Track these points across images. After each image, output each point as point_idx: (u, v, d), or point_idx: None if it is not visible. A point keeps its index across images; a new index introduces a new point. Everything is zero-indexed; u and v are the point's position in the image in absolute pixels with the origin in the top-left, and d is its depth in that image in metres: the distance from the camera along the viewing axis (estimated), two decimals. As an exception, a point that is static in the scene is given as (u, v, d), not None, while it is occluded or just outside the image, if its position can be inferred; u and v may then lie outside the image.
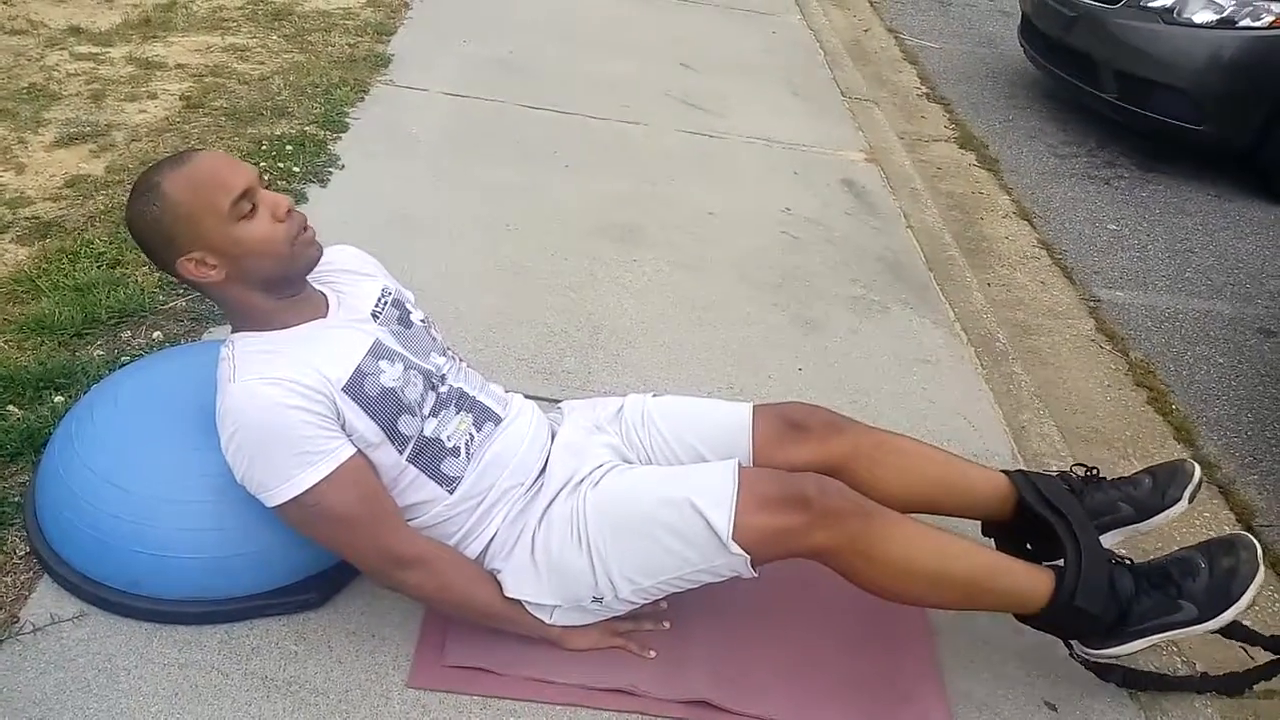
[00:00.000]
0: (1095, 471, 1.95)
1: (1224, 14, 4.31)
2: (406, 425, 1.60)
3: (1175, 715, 1.87)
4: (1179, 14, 4.40)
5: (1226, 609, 1.69)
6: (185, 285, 1.59)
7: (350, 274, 1.75)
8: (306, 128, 3.46)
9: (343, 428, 1.53)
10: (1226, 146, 4.53)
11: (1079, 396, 2.96)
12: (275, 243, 1.53)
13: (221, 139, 3.32)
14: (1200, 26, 4.36)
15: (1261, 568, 1.71)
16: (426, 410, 1.64)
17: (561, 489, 1.69)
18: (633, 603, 1.69)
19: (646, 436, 1.84)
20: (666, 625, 1.79)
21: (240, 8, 4.54)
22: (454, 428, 1.67)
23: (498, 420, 1.74)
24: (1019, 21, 5.46)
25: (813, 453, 1.81)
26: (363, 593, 1.78)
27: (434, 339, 1.77)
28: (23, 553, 1.77)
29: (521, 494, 1.70)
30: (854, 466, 1.82)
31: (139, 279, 2.52)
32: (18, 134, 3.18)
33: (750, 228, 3.38)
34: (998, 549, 1.90)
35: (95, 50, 3.88)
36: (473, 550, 1.68)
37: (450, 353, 1.80)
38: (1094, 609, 1.67)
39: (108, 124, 3.32)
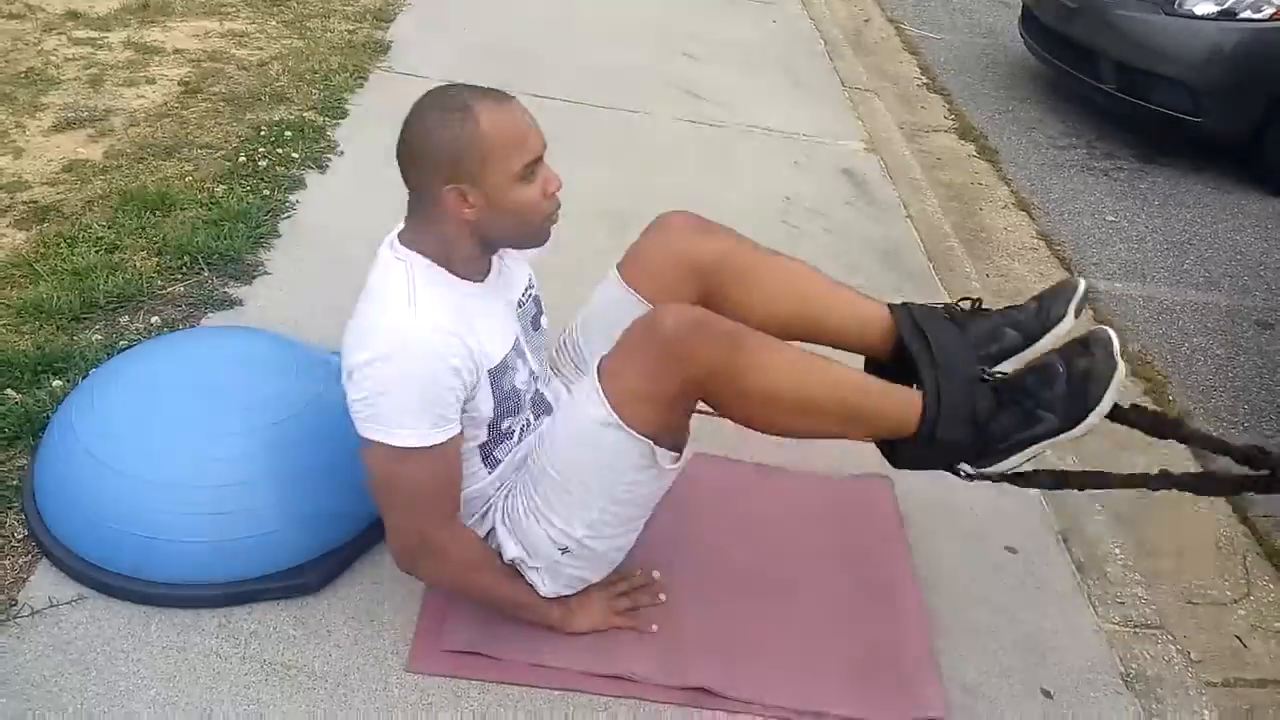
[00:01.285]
0: (979, 302, 1.84)
1: (1225, 6, 4.30)
2: (509, 423, 1.61)
3: (1171, 701, 1.88)
4: (1179, 5, 4.39)
5: (1086, 415, 1.59)
6: (421, 199, 1.50)
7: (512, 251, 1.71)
8: (305, 114, 3.45)
9: (466, 402, 1.50)
10: (1226, 139, 4.52)
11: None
12: (535, 214, 1.52)
13: (220, 124, 3.31)
14: (1201, 18, 4.35)
15: (1120, 364, 1.59)
16: (530, 412, 1.65)
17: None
18: (597, 538, 1.63)
19: (577, 362, 1.83)
20: (663, 598, 1.79)
21: (239, -7, 4.53)
22: (523, 420, 1.67)
23: (550, 413, 1.74)
24: (1019, 13, 5.45)
25: (680, 254, 1.76)
26: (362, 577, 1.79)
27: (545, 345, 1.77)
28: (21, 536, 1.77)
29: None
30: (724, 275, 1.75)
31: (137, 264, 2.52)
32: (15, 118, 3.17)
33: (750, 217, 3.37)
34: None
35: (93, 35, 3.86)
36: (484, 526, 1.68)
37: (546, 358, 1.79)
38: (956, 437, 1.61)
39: (106, 109, 3.31)
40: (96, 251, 2.54)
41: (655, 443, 1.54)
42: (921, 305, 1.82)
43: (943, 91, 5.17)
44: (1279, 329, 3.47)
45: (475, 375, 1.49)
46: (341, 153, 3.27)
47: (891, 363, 1.79)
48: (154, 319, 2.35)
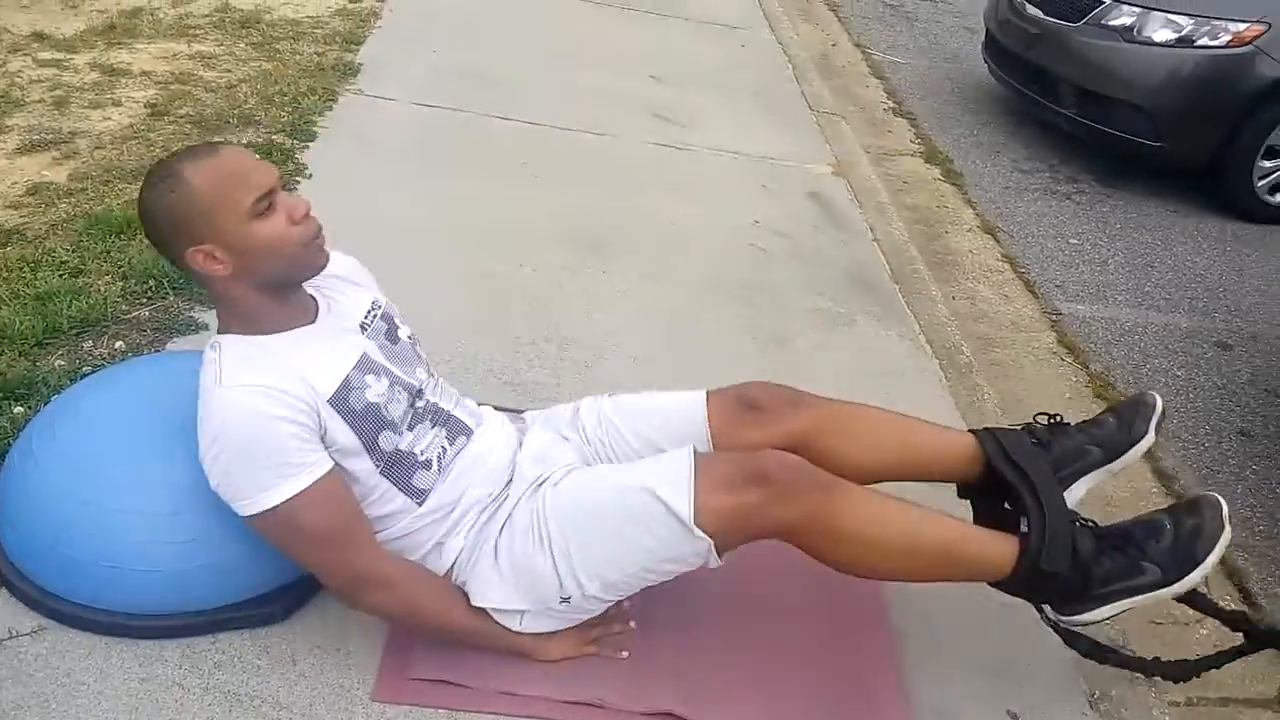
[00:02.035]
0: (1059, 418, 1.91)
1: (1183, 33, 4.39)
2: (386, 440, 1.60)
3: (1134, 723, 1.90)
4: (1139, 32, 4.48)
5: (1192, 570, 1.65)
6: (189, 276, 1.57)
7: (342, 281, 1.73)
8: (274, 136, 3.44)
9: (323, 439, 1.52)
10: (1185, 163, 4.61)
11: (1041, 408, 2.95)
12: (289, 244, 1.52)
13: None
14: (1160, 45, 4.44)
15: (1227, 527, 1.66)
16: (405, 425, 1.64)
17: (524, 493, 1.70)
18: (601, 599, 1.67)
19: (605, 436, 1.83)
20: (633, 624, 1.80)
21: (207, 15, 4.51)
22: (428, 442, 1.67)
23: (469, 433, 1.74)
24: (983, 38, 5.53)
25: (772, 432, 1.79)
26: (327, 606, 1.77)
27: (419, 355, 1.76)
28: (-20, 566, 1.74)
29: (488, 505, 1.70)
30: (816, 440, 1.80)
31: (101, 288, 2.50)
32: (-22, 140, 3.14)
33: (718, 240, 3.40)
34: (975, 510, 1.89)
35: (59, 56, 3.83)
36: (442, 563, 1.67)
37: (430, 368, 1.79)
38: (1058, 569, 1.65)
39: (71, 131, 3.29)
40: (60, 276, 2.52)
41: (716, 549, 1.60)
42: (1004, 430, 1.90)
43: (909, 116, 5.23)
44: (1238, 350, 3.53)
45: (313, 411, 1.50)
46: (310, 176, 3.26)
47: (983, 488, 1.86)
48: (118, 344, 2.33)
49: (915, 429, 1.91)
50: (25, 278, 2.48)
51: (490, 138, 3.84)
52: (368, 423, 1.57)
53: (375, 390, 1.59)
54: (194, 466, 1.66)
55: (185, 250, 1.49)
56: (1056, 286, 3.79)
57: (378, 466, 1.59)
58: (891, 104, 5.36)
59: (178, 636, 1.67)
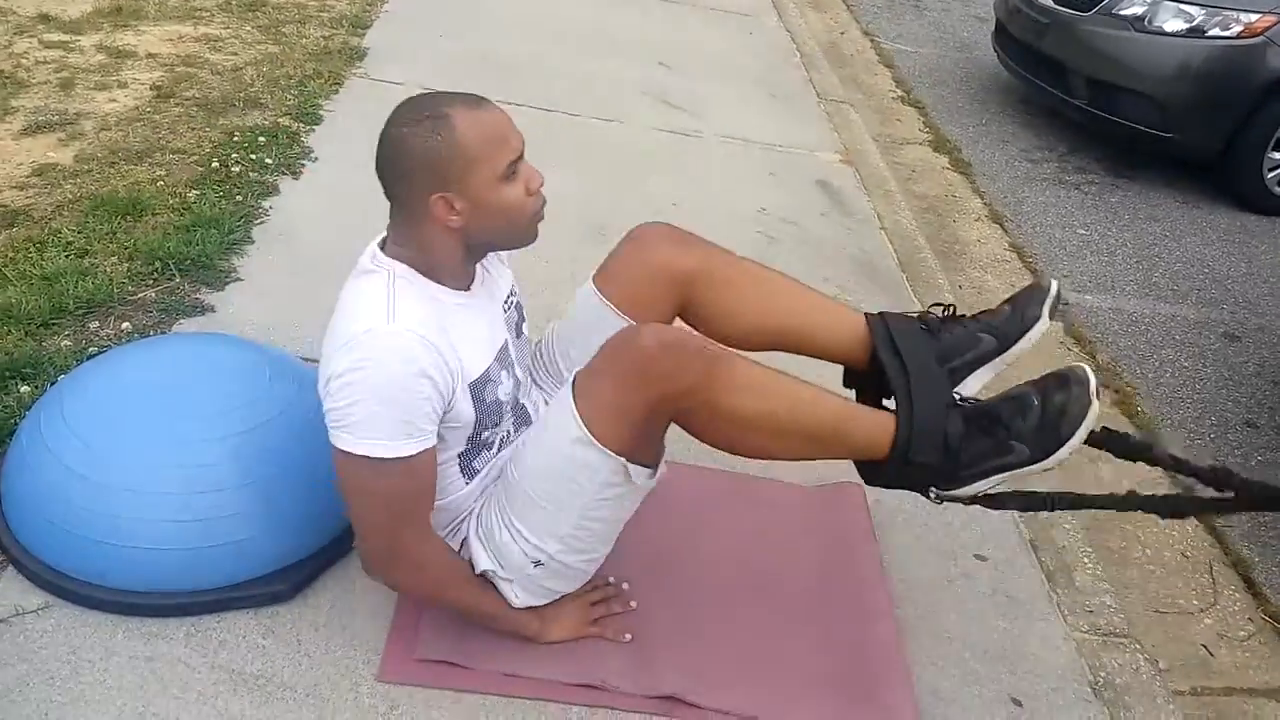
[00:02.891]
0: (953, 308, 1.83)
1: (1194, 23, 4.37)
2: (489, 434, 1.60)
3: (1139, 710, 1.90)
4: (1150, 22, 4.45)
5: (1057, 449, 1.59)
6: (405, 212, 1.49)
7: (495, 254, 1.70)
8: (280, 119, 3.44)
9: (445, 414, 1.49)
10: (1194, 154, 4.59)
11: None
12: (521, 213, 1.51)
13: (193, 129, 3.29)
14: (1170, 35, 4.41)
15: (1095, 403, 1.59)
16: (510, 422, 1.65)
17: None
18: (570, 551, 1.63)
19: (551, 370, 1.82)
20: (634, 605, 1.79)
21: (214, -2, 4.50)
22: (503, 431, 1.66)
23: (530, 423, 1.73)
24: (993, 27, 5.51)
25: (658, 268, 1.75)
26: (333, 586, 1.77)
27: (526, 352, 1.76)
28: (-14, 544, 1.74)
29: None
30: (703, 285, 1.75)
31: (108, 269, 2.50)
32: (-15, 121, 3.14)
33: (726, 227, 3.39)
34: (859, 399, 1.82)
35: (65, 38, 3.83)
36: (457, 538, 1.67)
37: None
38: (928, 459, 1.61)
39: (77, 113, 3.29)
40: (66, 256, 2.52)
41: (629, 459, 1.54)
42: (898, 315, 1.82)
43: (917, 104, 5.21)
44: (1245, 341, 3.52)
45: (452, 388, 1.48)
46: (316, 159, 3.26)
47: (869, 373, 1.80)
48: (124, 325, 2.33)
49: (806, 296, 1.83)
50: (31, 258, 2.48)
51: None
52: (488, 415, 1.57)
53: (504, 388, 1.59)
54: (200, 447, 1.68)
55: (431, 194, 1.44)
56: (1064, 276, 3.78)
57: (464, 449, 1.59)
58: (900, 92, 5.34)
59: (183, 615, 1.67)
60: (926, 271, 3.41)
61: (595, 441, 1.51)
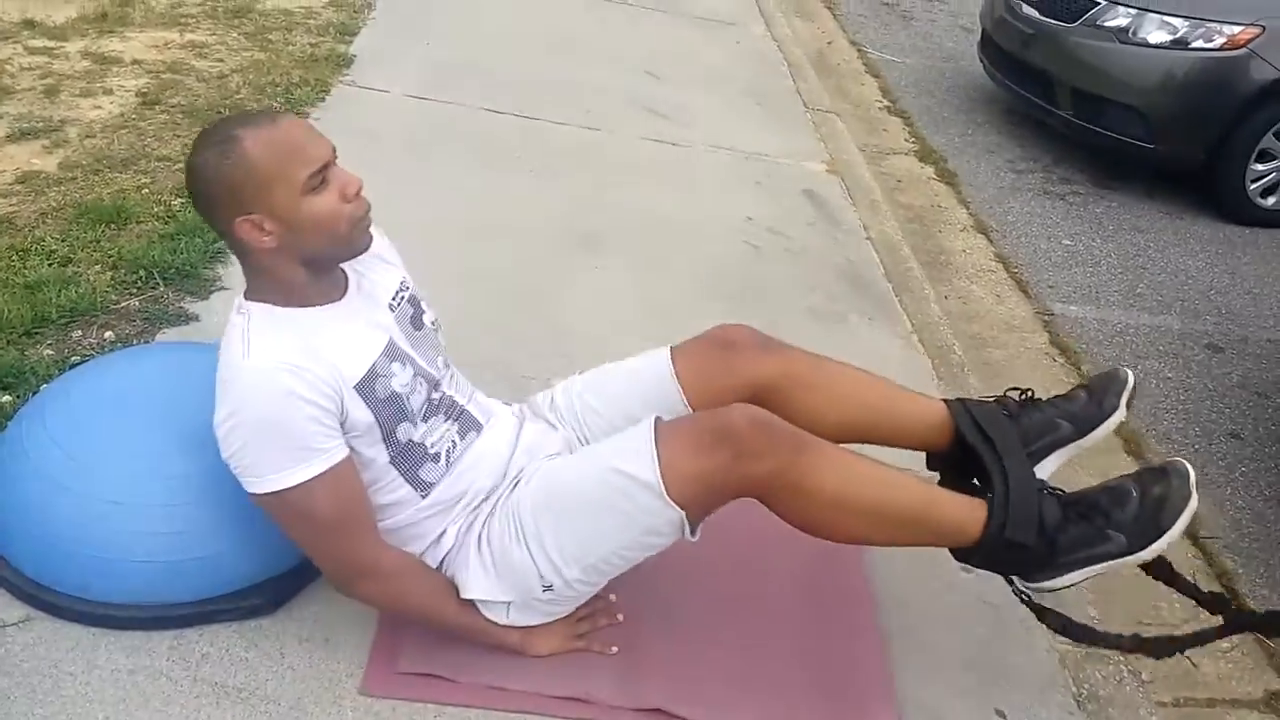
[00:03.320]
0: (1030, 393, 1.88)
1: (1178, 35, 4.40)
2: (403, 431, 1.59)
3: (1121, 723, 1.91)
4: (1134, 34, 4.48)
5: (1156, 539, 1.61)
6: (229, 245, 1.53)
7: (372, 257, 1.69)
8: (266, 127, 3.42)
9: (343, 424, 1.50)
10: (1179, 165, 4.62)
11: (1032, 408, 3.00)
12: (340, 222, 1.49)
13: (178, 136, 3.28)
14: (1154, 47, 4.45)
15: (1194, 495, 1.63)
16: (421, 417, 1.63)
17: (504, 490, 1.69)
18: (585, 582, 1.65)
19: (581, 415, 1.82)
20: (620, 618, 1.79)
21: (199, 4, 4.49)
22: (439, 435, 1.66)
23: (479, 429, 1.73)
24: (979, 38, 5.54)
25: (743, 373, 1.77)
26: (316, 598, 1.76)
27: (439, 343, 1.75)
28: (-34, 556, 1.73)
29: (482, 501, 1.69)
30: (784, 390, 1.77)
31: (91, 278, 2.48)
32: (-32, 128, 3.12)
33: (712, 236, 3.40)
34: (943, 483, 1.85)
35: (50, 44, 3.81)
36: (435, 556, 1.67)
37: (448, 359, 1.77)
38: (1024, 539, 1.62)
39: (61, 120, 3.27)
40: (49, 265, 2.50)
41: (687, 516, 1.57)
42: (975, 401, 1.89)
43: (903, 114, 5.23)
44: (1229, 352, 3.54)
45: (335, 398, 1.48)
46: (302, 167, 3.24)
47: (951, 457, 1.84)
48: (108, 334, 2.32)
49: (887, 391, 1.87)
50: (14, 266, 2.47)
51: (484, 131, 3.82)
52: (389, 412, 1.56)
53: (400, 379, 1.58)
54: (183, 458, 1.67)
55: (234, 219, 1.45)
56: (1049, 287, 3.80)
57: (390, 456, 1.58)
58: (886, 102, 5.36)
59: (166, 628, 1.66)
60: (912, 281, 3.42)
61: (666, 495, 1.54)
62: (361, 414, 1.51)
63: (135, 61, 3.79)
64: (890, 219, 3.89)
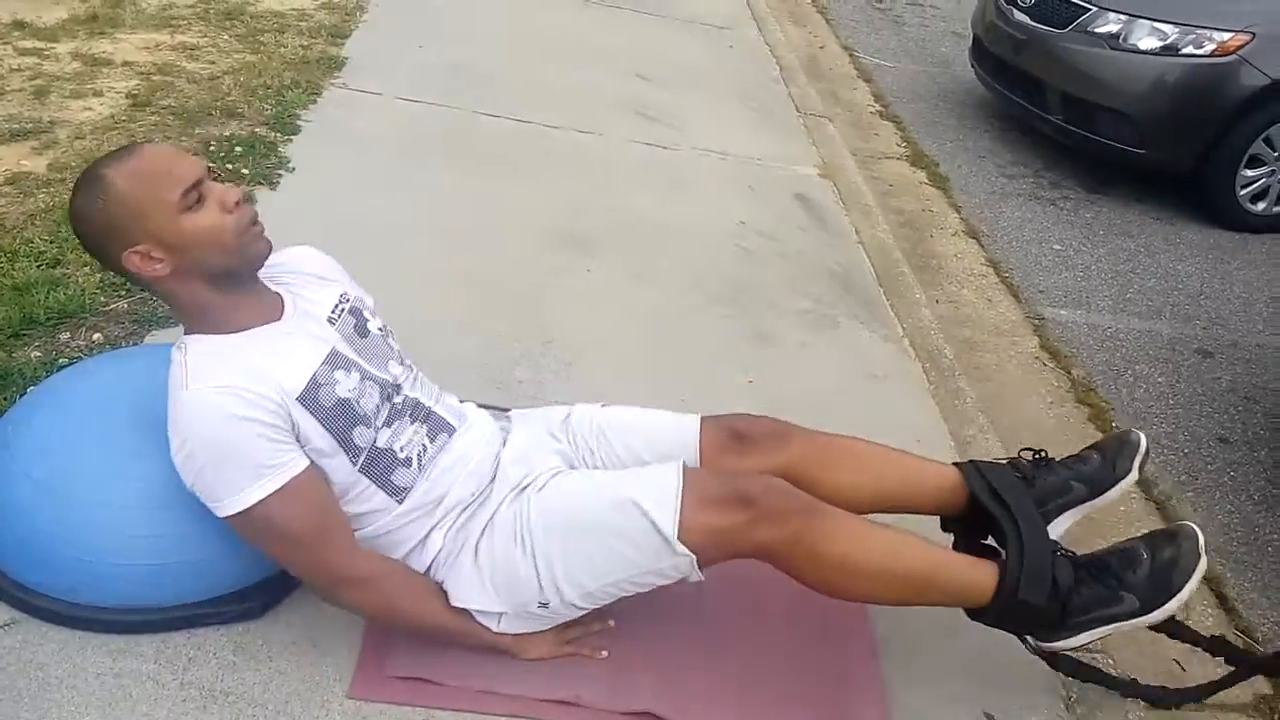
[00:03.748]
0: (1043, 454, 1.93)
1: (1168, 41, 4.41)
2: (360, 436, 1.58)
3: (1110, 728, 1.91)
4: (1125, 40, 4.50)
5: (1167, 600, 1.68)
6: (132, 281, 1.56)
7: (307, 276, 1.72)
8: (257, 129, 3.42)
9: (296, 438, 1.51)
10: (1168, 170, 4.64)
11: (1022, 413, 3.01)
12: (223, 233, 1.50)
13: (169, 138, 3.27)
14: (1145, 53, 4.46)
15: (1203, 558, 1.70)
16: (381, 421, 1.62)
17: (506, 495, 1.69)
18: (579, 607, 1.68)
19: (595, 445, 1.84)
20: (611, 624, 1.79)
21: (191, 6, 4.48)
22: (407, 438, 1.66)
23: (451, 431, 1.73)
24: (970, 43, 5.55)
25: (759, 463, 1.81)
26: (304, 602, 1.75)
27: (391, 348, 1.74)
28: (-48, 558, 1.72)
29: (470, 504, 1.69)
30: (803, 471, 1.81)
31: (79, 279, 2.47)
32: (-43, 129, 3.11)
33: (704, 240, 3.40)
34: (956, 545, 1.91)
35: (40, 45, 3.80)
36: (421, 561, 1.66)
37: (407, 362, 1.77)
38: (1036, 601, 1.68)
39: (51, 121, 3.26)
40: (38, 266, 2.49)
41: (695, 563, 1.61)
42: (989, 463, 1.93)
43: (895, 119, 5.24)
44: (1218, 357, 3.55)
45: (282, 410, 1.49)
46: (293, 169, 3.24)
47: (963, 520, 1.89)
48: (96, 336, 2.31)
49: (901, 462, 1.93)
50: (2, 268, 2.46)
51: (476, 134, 3.82)
52: (339, 419, 1.56)
53: (345, 385, 1.58)
54: (170, 461, 1.65)
55: (121, 254, 1.48)
56: (1040, 292, 3.81)
57: (355, 463, 1.58)
58: (878, 107, 5.37)
59: (152, 631, 1.65)
60: (904, 286, 3.43)
61: (679, 545, 1.58)
62: (310, 425, 1.52)
63: (126, 63, 3.78)
64: (882, 223, 3.89)
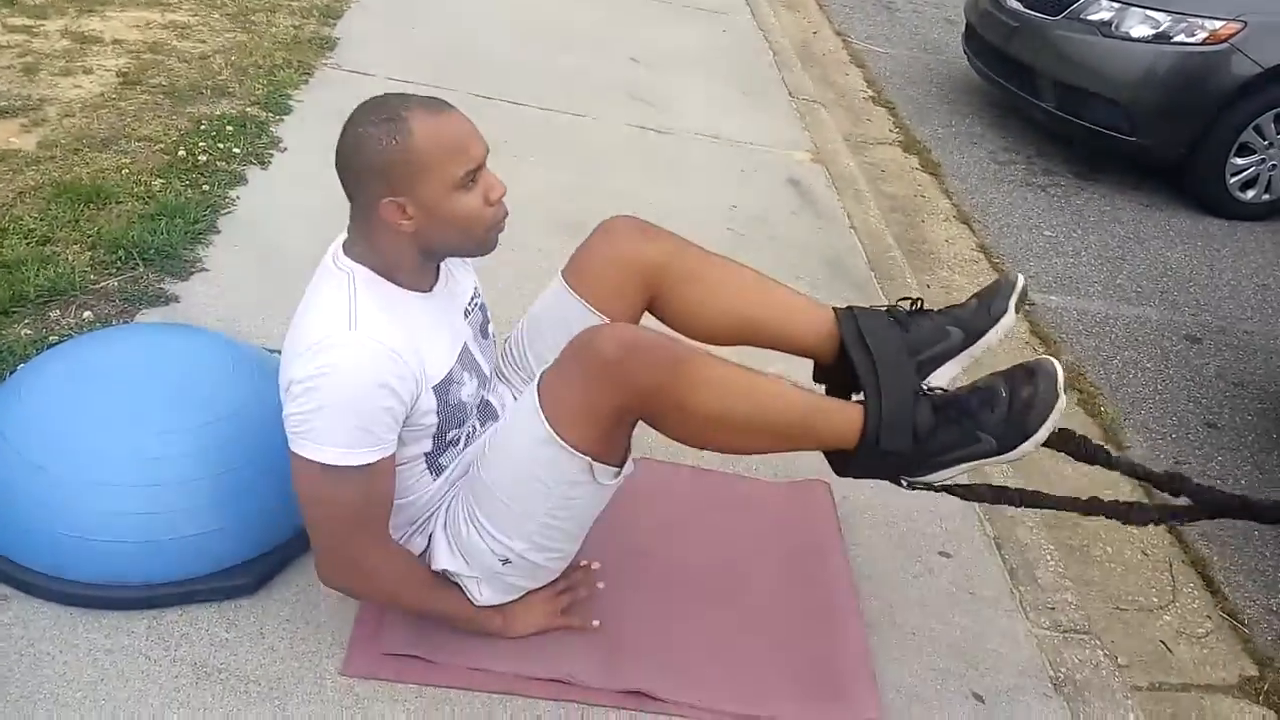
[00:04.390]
0: (920, 302, 1.85)
1: (1160, 29, 4.42)
2: (454, 435, 1.60)
3: (1098, 705, 1.92)
4: (1117, 28, 4.50)
5: (1024, 440, 1.62)
6: (360, 212, 1.49)
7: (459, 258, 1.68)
8: (248, 108, 3.40)
9: (407, 418, 1.48)
10: (1159, 158, 4.65)
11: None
12: (477, 223, 1.49)
13: (159, 117, 3.25)
14: (1137, 40, 4.47)
15: (1061, 396, 1.62)
16: (470, 420, 1.64)
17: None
18: (539, 551, 1.62)
19: (533, 365, 1.79)
20: (601, 585, 1.79)
21: (182, -15, 4.44)
22: (468, 428, 1.66)
23: (496, 419, 1.73)
24: (963, 29, 5.55)
25: (626, 258, 1.76)
26: (297, 580, 1.76)
27: (495, 356, 1.75)
28: (-58, 535, 1.71)
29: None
30: (671, 279, 1.76)
31: (69, 257, 2.46)
32: (-55, 106, 3.09)
33: (696, 224, 3.37)
34: (828, 394, 1.83)
35: (29, 23, 3.77)
36: (423, 537, 1.67)
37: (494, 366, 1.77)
38: (897, 448, 1.63)
39: (40, 98, 3.23)
40: (27, 244, 2.48)
41: (594, 459, 1.54)
42: (866, 309, 1.84)
43: (888, 105, 5.24)
44: (1206, 343, 3.57)
45: (416, 393, 1.47)
46: (284, 149, 3.23)
47: (837, 367, 1.81)
48: (86, 314, 2.30)
49: (774, 291, 1.84)
50: (-8, 245, 2.45)
51: (469, 116, 3.79)
52: (453, 417, 1.56)
53: (468, 390, 1.58)
54: (161, 438, 1.66)
55: (381, 197, 1.43)
56: (1030, 277, 3.78)
57: (431, 448, 1.58)
58: (871, 93, 5.37)
59: (145, 608, 1.65)
60: (895, 271, 3.43)
61: (561, 441, 1.50)
62: (430, 411, 1.51)
63: (116, 41, 3.75)
64: (874, 208, 3.89)
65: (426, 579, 1.64)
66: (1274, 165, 4.51)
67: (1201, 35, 4.34)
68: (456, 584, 1.66)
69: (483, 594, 1.66)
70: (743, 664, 1.79)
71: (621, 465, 1.60)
